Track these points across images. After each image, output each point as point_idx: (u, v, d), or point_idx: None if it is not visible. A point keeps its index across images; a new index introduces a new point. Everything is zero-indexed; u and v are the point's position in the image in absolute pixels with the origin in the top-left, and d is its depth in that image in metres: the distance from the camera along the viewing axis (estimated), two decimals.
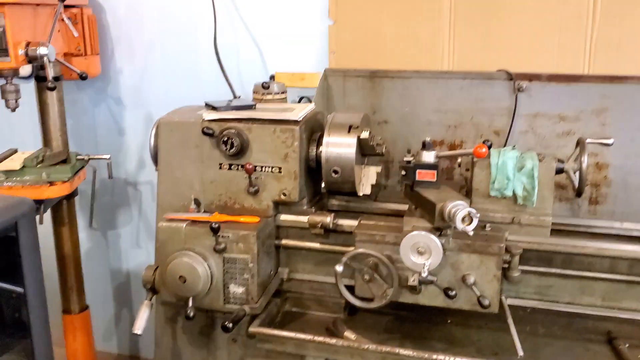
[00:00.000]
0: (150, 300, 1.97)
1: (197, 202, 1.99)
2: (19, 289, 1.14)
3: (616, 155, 2.14)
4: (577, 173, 1.79)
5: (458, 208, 1.57)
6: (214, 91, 2.56)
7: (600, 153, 2.16)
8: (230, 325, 1.75)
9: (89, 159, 2.40)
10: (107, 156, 2.43)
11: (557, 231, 1.87)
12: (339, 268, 1.73)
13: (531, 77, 2.18)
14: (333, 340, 1.78)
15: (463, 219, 1.56)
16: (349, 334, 1.86)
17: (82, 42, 2.50)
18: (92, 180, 2.50)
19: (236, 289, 1.87)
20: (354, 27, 2.37)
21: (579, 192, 1.78)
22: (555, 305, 1.87)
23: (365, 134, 1.88)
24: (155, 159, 2.07)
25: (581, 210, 2.21)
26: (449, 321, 1.99)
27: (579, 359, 1.80)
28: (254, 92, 2.19)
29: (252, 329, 1.84)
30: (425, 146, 1.76)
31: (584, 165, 1.75)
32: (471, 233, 1.56)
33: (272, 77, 2.41)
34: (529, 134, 2.23)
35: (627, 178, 2.16)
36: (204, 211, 1.98)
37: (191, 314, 1.83)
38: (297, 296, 2.07)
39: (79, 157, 2.38)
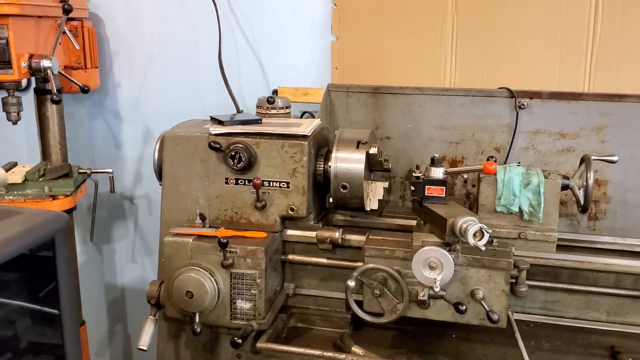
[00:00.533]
0: (155, 315, 1.95)
1: (203, 217, 1.98)
2: (54, 311, 1.11)
3: (616, 172, 2.18)
4: (582, 189, 1.82)
5: (469, 224, 1.59)
6: (215, 105, 2.57)
7: (600, 170, 2.20)
8: (240, 341, 1.73)
9: (91, 172, 2.37)
10: (110, 170, 2.41)
11: (561, 247, 1.90)
12: (351, 283, 1.73)
13: (532, 95, 2.21)
14: (342, 356, 1.78)
15: (474, 235, 1.57)
16: (356, 349, 1.86)
17: (83, 55, 2.49)
18: (94, 194, 2.47)
19: (243, 305, 1.86)
20: (356, 44, 2.40)
21: (584, 208, 1.81)
22: (561, 320, 1.89)
23: (374, 150, 1.89)
24: (159, 173, 2.06)
25: (581, 226, 2.25)
26: (453, 336, 2.00)
27: None
28: (258, 106, 2.19)
29: (260, 344, 1.83)
30: (434, 162, 1.78)
31: (590, 181, 1.78)
32: (483, 248, 1.57)
33: (275, 92, 2.42)
34: (530, 151, 2.26)
35: (626, 195, 2.20)
36: (210, 226, 1.97)
37: (198, 330, 1.81)
38: (302, 312, 2.06)
39: (80, 170, 2.36)
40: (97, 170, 2.41)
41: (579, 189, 1.83)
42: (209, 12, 2.54)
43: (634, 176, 2.18)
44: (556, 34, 2.22)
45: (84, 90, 2.23)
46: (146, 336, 1.90)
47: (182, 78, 2.71)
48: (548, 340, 1.94)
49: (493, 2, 2.25)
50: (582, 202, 1.81)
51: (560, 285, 1.85)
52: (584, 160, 1.85)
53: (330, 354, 1.78)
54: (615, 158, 1.85)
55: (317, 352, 1.79)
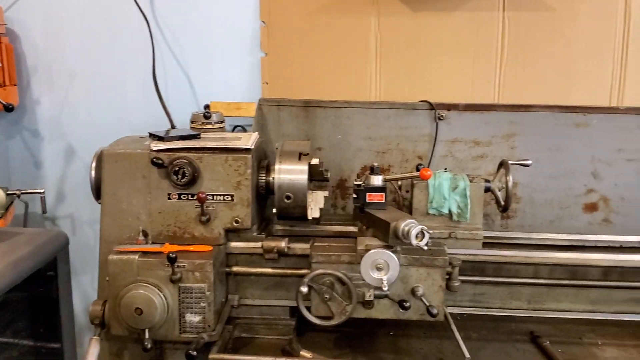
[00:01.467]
0: (99, 335, 1.92)
1: (145, 234, 1.98)
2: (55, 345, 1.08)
3: (524, 175, 2.41)
4: (502, 191, 2.02)
5: (411, 226, 1.72)
6: (143, 122, 2.56)
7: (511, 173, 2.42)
8: (195, 353, 1.75)
9: (21, 193, 2.28)
10: (42, 190, 2.33)
11: (485, 243, 2.09)
12: (304, 289, 1.81)
13: (449, 107, 2.41)
14: None
15: (417, 236, 1.71)
16: (305, 353, 1.93)
17: (1, 73, 2.39)
18: (24, 215, 2.37)
19: (192, 318, 1.87)
20: (286, 59, 2.49)
21: (505, 208, 2.01)
22: (488, 311, 2.07)
23: (315, 161, 1.98)
24: (96, 191, 2.03)
25: (495, 225, 2.46)
26: (391, 333, 2.13)
27: (510, 357, 2.00)
28: (193, 121, 2.21)
29: (212, 355, 1.85)
30: (373, 171, 1.90)
31: (510, 183, 1.98)
32: (425, 248, 1.71)
33: (207, 107, 2.46)
34: (449, 158, 2.45)
35: (533, 195, 2.44)
36: (153, 242, 1.97)
37: (149, 346, 1.81)
38: (247, 322, 2.10)
39: (9, 192, 2.26)
40: (28, 191, 2.32)
41: (499, 191, 2.03)
42: (135, 29, 2.54)
43: (540, 178, 2.42)
44: (469, 52, 2.44)
45: (9, 108, 2.15)
46: (92, 357, 1.86)
47: (106, 95, 2.67)
48: (475, 331, 2.12)
49: (413, 22, 2.44)
50: (503, 203, 2.01)
51: (486, 279, 2.03)
52: (503, 165, 2.05)
53: (282, 359, 1.84)
54: (529, 162, 2.07)
55: (270, 359, 1.84)
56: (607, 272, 2.03)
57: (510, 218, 2.48)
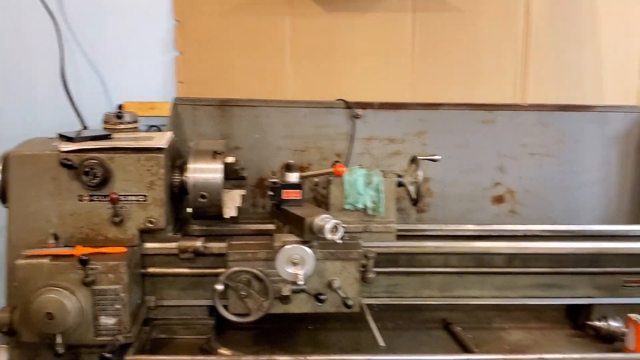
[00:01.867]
0: (8, 344, 1.85)
1: (56, 237, 1.92)
2: None
3: (436, 170, 2.51)
4: (413, 185, 2.10)
5: (326, 221, 1.76)
6: (52, 123, 2.46)
7: (423, 169, 2.51)
8: (109, 355, 1.72)
9: None
10: None
11: (399, 236, 2.16)
12: (219, 287, 1.81)
13: (365, 106, 2.48)
14: (212, 357, 1.85)
15: (331, 230, 1.75)
16: (223, 350, 1.94)
17: None
18: None
19: (107, 321, 1.84)
20: (201, 58, 2.49)
21: (416, 201, 2.09)
22: (402, 300, 2.15)
23: (230, 159, 1.99)
24: (2, 195, 1.95)
25: (410, 218, 2.56)
26: (309, 328, 2.17)
27: (424, 345, 2.09)
28: (105, 121, 2.17)
29: (128, 357, 1.82)
30: (289, 168, 1.93)
31: (420, 178, 2.06)
32: (340, 241, 1.76)
33: (120, 107, 2.41)
34: (366, 155, 2.52)
35: (445, 189, 2.56)
36: (65, 245, 1.92)
37: (60, 351, 1.76)
38: (164, 323, 2.08)
39: None
40: None
41: (411, 185, 2.11)
42: (42, 27, 2.45)
43: (450, 174, 2.54)
44: (382, 51, 2.52)
45: None
46: None
47: (12, 96, 2.56)
48: (391, 320, 2.20)
49: (326, 22, 2.49)
50: (414, 196, 2.09)
51: (400, 269, 2.11)
52: (414, 160, 2.13)
53: (200, 357, 1.84)
54: (438, 157, 2.16)
55: (187, 358, 1.84)
56: (511, 259, 2.15)
57: (424, 212, 2.58)
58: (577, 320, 2.23)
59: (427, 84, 2.56)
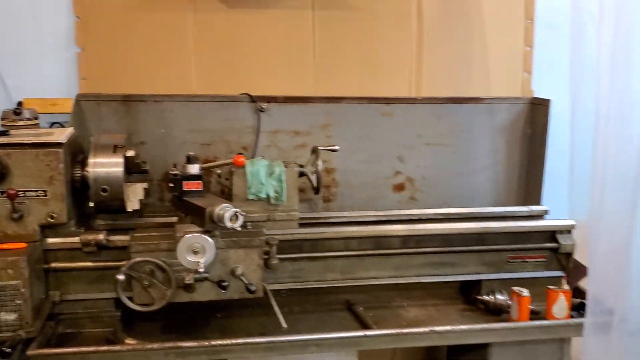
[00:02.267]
0: None
1: None
2: None
3: (340, 161, 2.63)
4: (314, 175, 2.21)
5: (225, 209, 1.83)
6: None
7: (329, 160, 2.61)
8: (10, 350, 1.72)
9: None
10: None
11: (303, 224, 2.26)
12: (121, 277, 1.84)
13: (270, 99, 2.55)
14: (117, 347, 1.88)
15: (231, 219, 1.82)
16: (129, 340, 1.97)
17: None
18: None
19: (8, 317, 1.83)
20: (104, 54, 2.48)
21: (317, 190, 2.20)
22: (306, 284, 2.25)
23: (131, 153, 2.02)
24: None
25: (318, 208, 2.66)
26: (218, 316, 2.23)
27: (328, 325, 2.19)
28: (3, 118, 2.14)
29: (30, 351, 1.82)
30: (189, 160, 1.98)
31: (319, 167, 2.16)
32: (239, 229, 1.83)
33: (20, 104, 2.37)
34: (272, 148, 2.60)
35: (349, 178, 2.67)
36: None
37: None
38: (71, 317, 2.08)
39: None
40: None
41: (312, 174, 2.21)
42: None
43: (354, 164, 2.66)
44: (286, 47, 2.60)
45: None
46: None
47: None
48: (298, 304, 2.29)
49: (229, 19, 2.54)
50: (315, 185, 2.19)
51: (303, 255, 2.21)
52: (314, 151, 2.23)
53: (104, 347, 1.87)
54: (336, 147, 2.28)
55: (92, 349, 1.86)
56: (406, 240, 2.30)
57: (331, 201, 2.69)
58: (468, 296, 2.40)
59: (330, 79, 2.66)
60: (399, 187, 2.72)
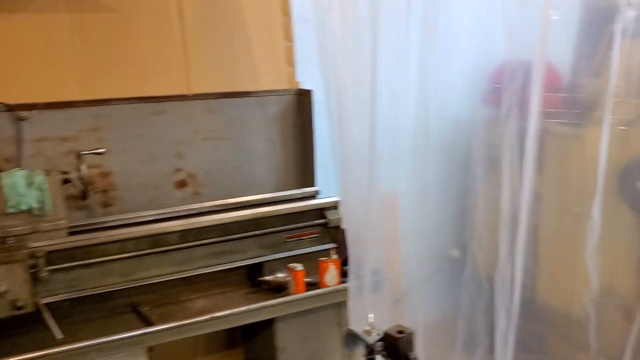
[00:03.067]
0: None
1: None
2: None
3: (116, 163, 2.60)
4: (81, 180, 2.17)
5: None
6: None
7: (104, 163, 2.57)
8: None
9: None
10: None
11: (76, 232, 2.21)
12: None
13: (29, 107, 2.43)
14: None
15: None
16: None
17: None
18: None
19: None
20: None
21: (84, 195, 2.16)
22: (84, 292, 2.20)
23: None
24: None
25: (97, 214, 2.60)
26: None
27: (113, 329, 2.16)
28: None
29: None
30: None
31: (84, 172, 2.13)
32: None
33: None
34: (39, 157, 2.47)
35: (128, 180, 2.65)
36: None
37: None
38: None
39: None
40: None
41: (79, 180, 2.17)
42: None
43: (131, 165, 2.64)
44: (42, 51, 2.47)
45: None
46: None
47: None
48: (80, 314, 2.23)
49: None
50: (82, 189, 2.15)
51: (76, 263, 2.16)
52: (78, 156, 2.19)
53: None
54: (101, 150, 2.26)
55: None
56: (185, 235, 2.36)
57: (111, 205, 2.65)
58: (254, 279, 2.54)
59: (97, 82, 2.60)
60: (181, 184, 2.77)
